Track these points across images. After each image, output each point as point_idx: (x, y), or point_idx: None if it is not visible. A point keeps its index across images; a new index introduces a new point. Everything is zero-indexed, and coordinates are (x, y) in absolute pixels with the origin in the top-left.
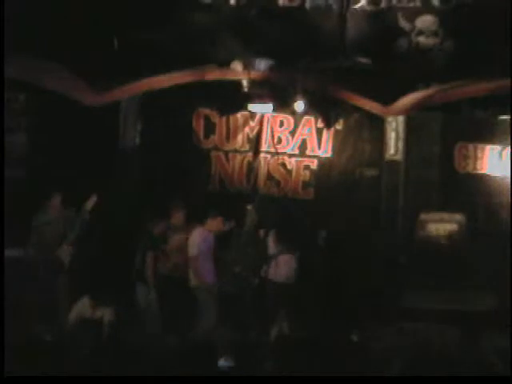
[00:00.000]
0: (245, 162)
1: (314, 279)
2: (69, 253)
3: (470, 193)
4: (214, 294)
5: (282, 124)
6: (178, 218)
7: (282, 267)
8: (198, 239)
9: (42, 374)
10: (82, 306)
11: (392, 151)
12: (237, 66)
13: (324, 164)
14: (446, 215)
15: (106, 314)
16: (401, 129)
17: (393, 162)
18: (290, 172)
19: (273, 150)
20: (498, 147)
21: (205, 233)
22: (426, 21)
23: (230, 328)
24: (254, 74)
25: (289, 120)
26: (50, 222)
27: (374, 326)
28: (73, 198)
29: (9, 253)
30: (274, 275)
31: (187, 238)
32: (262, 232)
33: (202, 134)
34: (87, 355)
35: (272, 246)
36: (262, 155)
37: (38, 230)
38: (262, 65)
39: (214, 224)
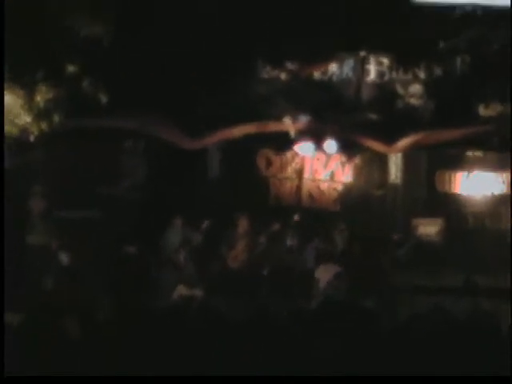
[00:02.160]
0: (293, 185)
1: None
2: (183, 256)
3: (447, 205)
4: None
5: (318, 159)
6: (243, 226)
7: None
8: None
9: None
10: (181, 288)
11: (393, 177)
12: (286, 120)
13: (346, 187)
14: (430, 220)
15: (197, 292)
16: (399, 162)
17: (394, 185)
18: (323, 192)
19: (312, 177)
20: (465, 173)
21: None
22: (415, 88)
23: None
24: (298, 126)
25: (322, 157)
26: (174, 234)
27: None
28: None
29: (130, 249)
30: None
31: (250, 242)
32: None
33: (263, 166)
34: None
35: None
36: (304, 181)
37: (165, 239)
38: (303, 119)
39: None
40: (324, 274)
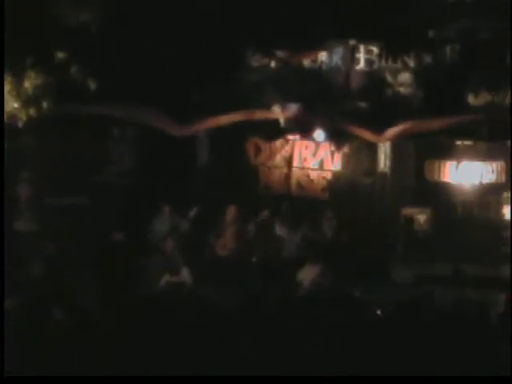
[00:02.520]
0: (282, 174)
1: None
2: (171, 243)
3: (436, 194)
4: None
5: (307, 148)
6: (231, 214)
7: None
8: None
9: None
10: (168, 276)
11: (382, 166)
12: (276, 108)
13: (335, 175)
14: (419, 209)
15: (184, 279)
16: (388, 150)
17: (382, 173)
18: (312, 181)
19: (301, 166)
20: (454, 163)
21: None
22: (404, 77)
23: None
24: (287, 114)
25: (311, 145)
26: (161, 221)
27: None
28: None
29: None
30: None
31: (239, 230)
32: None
33: (252, 154)
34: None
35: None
36: (293, 169)
37: (152, 226)
38: (293, 107)
39: None
40: (307, 275)
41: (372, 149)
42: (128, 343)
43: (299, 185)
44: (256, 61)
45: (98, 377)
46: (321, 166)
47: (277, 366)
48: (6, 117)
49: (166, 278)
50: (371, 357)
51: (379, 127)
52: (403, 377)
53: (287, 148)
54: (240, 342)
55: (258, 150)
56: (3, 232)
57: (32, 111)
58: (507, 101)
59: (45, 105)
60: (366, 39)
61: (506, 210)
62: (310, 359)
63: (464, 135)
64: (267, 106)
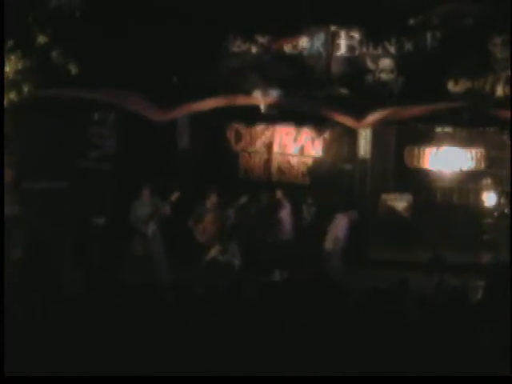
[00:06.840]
0: (262, 159)
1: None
2: (151, 226)
3: (416, 180)
4: None
5: (287, 134)
6: (212, 199)
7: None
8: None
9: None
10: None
11: (362, 152)
12: (257, 94)
13: (316, 161)
14: (398, 195)
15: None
16: (368, 137)
17: (363, 160)
18: (293, 166)
19: (281, 151)
20: (434, 149)
21: None
22: (385, 63)
23: None
24: (268, 100)
25: (292, 131)
26: (142, 205)
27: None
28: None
29: (99, 221)
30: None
31: (218, 215)
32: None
33: (233, 140)
34: None
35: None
36: (273, 155)
37: (133, 210)
38: (274, 93)
39: None
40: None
41: (352, 135)
42: (109, 327)
43: (280, 171)
44: (237, 46)
45: (98, 377)
46: (301, 152)
47: (258, 352)
48: None
49: (147, 261)
50: (351, 340)
51: (360, 113)
52: (403, 377)
53: (268, 134)
54: (219, 326)
55: (238, 136)
56: (3, 235)
57: (13, 95)
58: (487, 88)
59: (25, 89)
60: (347, 25)
61: (484, 197)
62: (291, 344)
63: (444, 122)
64: (248, 92)
